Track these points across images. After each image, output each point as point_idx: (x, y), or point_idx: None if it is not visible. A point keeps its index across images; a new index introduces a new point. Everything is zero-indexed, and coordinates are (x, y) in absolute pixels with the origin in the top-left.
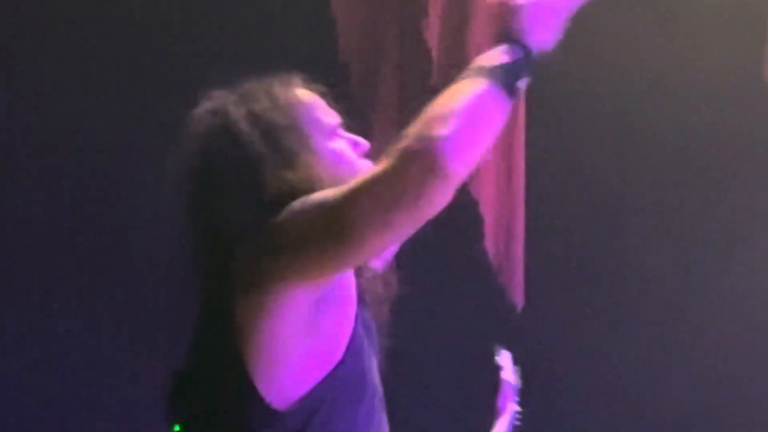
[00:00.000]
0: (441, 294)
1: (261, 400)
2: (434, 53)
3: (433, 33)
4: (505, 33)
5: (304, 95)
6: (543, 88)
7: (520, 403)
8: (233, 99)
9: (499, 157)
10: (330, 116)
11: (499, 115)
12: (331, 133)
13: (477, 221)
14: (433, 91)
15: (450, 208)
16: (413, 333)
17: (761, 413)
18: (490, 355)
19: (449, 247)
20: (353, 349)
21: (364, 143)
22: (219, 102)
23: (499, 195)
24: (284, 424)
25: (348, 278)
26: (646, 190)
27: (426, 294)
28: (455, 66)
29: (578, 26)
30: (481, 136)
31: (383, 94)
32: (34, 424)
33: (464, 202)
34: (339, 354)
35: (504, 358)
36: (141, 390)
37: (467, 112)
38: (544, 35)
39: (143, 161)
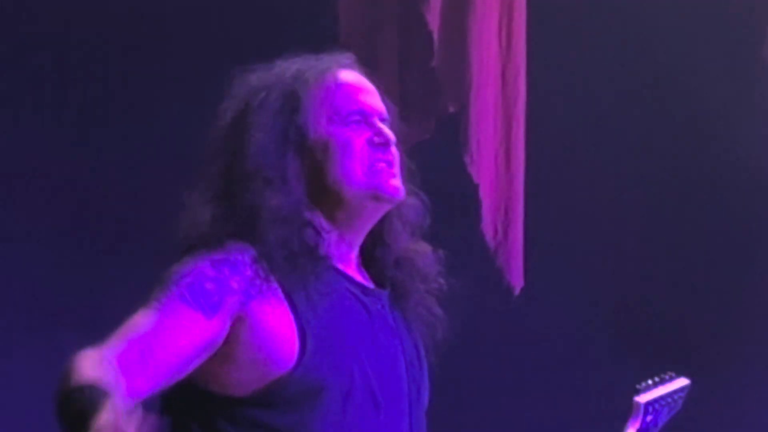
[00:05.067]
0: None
1: (205, 392)
2: (435, 35)
3: (434, 14)
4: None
5: (342, 77)
6: (543, 71)
7: None
8: (272, 69)
9: (498, 140)
10: (356, 103)
11: None
12: (344, 120)
13: (475, 204)
14: (434, 73)
15: (448, 191)
16: None
17: None
18: (486, 339)
19: (447, 229)
20: (311, 355)
21: (384, 135)
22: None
23: (497, 178)
24: (232, 414)
25: (260, 320)
26: (646, 174)
27: None
28: (456, 48)
29: (577, 12)
30: None
31: (383, 75)
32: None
33: (463, 185)
34: (283, 365)
35: (659, 386)
36: None
37: None
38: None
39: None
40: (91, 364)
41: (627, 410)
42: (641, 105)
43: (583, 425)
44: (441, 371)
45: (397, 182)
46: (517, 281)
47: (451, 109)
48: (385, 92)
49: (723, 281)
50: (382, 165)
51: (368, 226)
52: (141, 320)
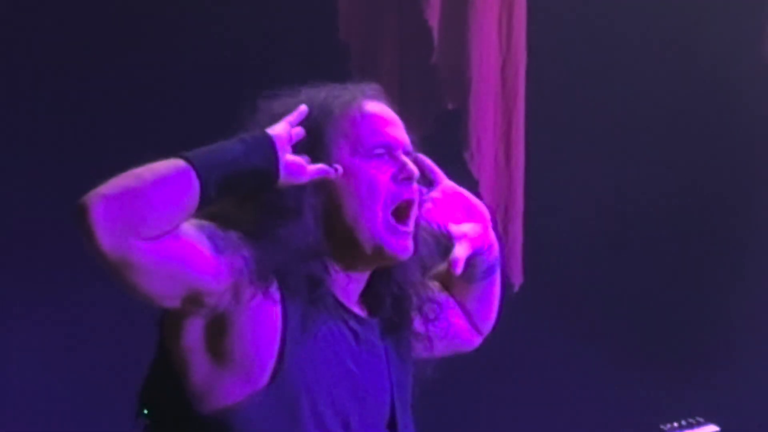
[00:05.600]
0: None
1: (183, 399)
2: (435, 32)
3: (433, 12)
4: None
5: (367, 108)
6: (543, 67)
7: None
8: (296, 97)
9: (498, 137)
10: (381, 136)
11: (180, 197)
12: (368, 153)
13: None
14: (434, 70)
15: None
16: None
17: None
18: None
19: None
20: (284, 376)
21: (409, 170)
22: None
23: (497, 174)
24: (199, 427)
25: (252, 307)
26: (646, 171)
27: None
28: (456, 45)
29: (576, 8)
30: (143, 205)
31: (383, 72)
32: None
33: (463, 182)
34: (260, 380)
35: (685, 430)
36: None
37: (139, 182)
38: (297, 170)
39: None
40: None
41: (624, 408)
42: (641, 102)
43: (582, 421)
44: (437, 368)
45: (407, 242)
46: (516, 278)
47: (451, 106)
48: (384, 89)
49: (725, 283)
50: (399, 221)
51: (373, 267)
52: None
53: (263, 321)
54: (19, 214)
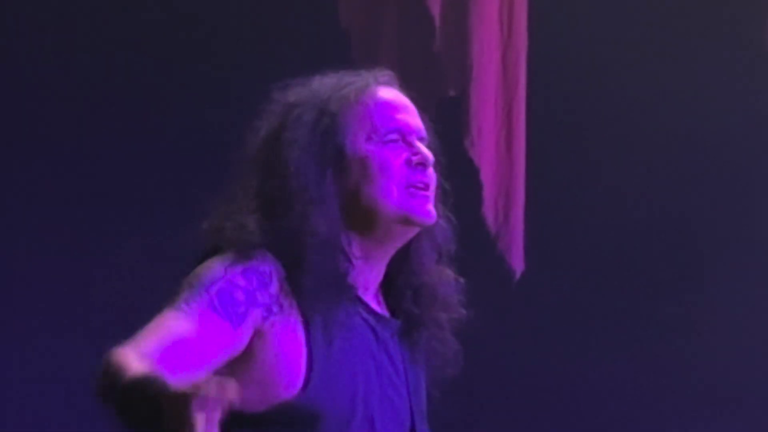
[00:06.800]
0: None
1: None
2: (436, 19)
3: None
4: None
5: (380, 94)
6: (545, 54)
7: None
8: (309, 85)
9: (499, 124)
10: (395, 121)
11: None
12: (382, 139)
13: (476, 187)
14: (435, 57)
15: (449, 174)
16: None
17: None
18: (486, 324)
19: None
20: (315, 385)
21: (422, 156)
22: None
23: (498, 160)
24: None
25: (276, 332)
26: (648, 159)
27: None
28: (457, 32)
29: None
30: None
31: (384, 60)
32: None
33: (463, 168)
34: (289, 392)
35: None
36: None
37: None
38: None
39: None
40: (136, 361)
41: (626, 396)
42: (643, 91)
43: (583, 410)
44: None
45: (430, 206)
46: (518, 265)
47: (452, 93)
48: None
49: (728, 263)
50: (418, 188)
51: (395, 249)
52: (173, 324)
53: (288, 340)
54: (18, 209)
